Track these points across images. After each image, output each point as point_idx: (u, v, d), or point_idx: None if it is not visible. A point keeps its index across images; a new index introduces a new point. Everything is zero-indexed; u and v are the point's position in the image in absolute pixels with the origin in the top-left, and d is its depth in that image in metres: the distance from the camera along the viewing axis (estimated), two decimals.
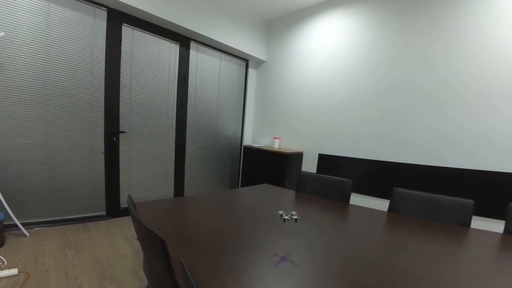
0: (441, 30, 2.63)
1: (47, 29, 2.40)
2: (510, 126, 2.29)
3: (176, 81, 3.44)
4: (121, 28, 2.85)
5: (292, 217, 1.07)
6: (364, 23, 3.19)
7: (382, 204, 2.93)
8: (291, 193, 2.04)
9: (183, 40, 3.43)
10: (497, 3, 2.32)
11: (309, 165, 3.75)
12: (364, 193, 3.15)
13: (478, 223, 2.21)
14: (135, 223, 0.90)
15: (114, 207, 3.01)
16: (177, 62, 3.42)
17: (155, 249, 0.76)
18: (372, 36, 3.12)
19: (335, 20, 3.47)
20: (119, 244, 2.38)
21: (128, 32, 2.91)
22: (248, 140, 4.56)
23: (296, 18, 3.93)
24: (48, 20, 2.40)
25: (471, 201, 1.52)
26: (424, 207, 1.65)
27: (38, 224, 2.54)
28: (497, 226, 2.24)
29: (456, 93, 2.55)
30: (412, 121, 2.83)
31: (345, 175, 2.35)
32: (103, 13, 2.72)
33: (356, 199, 3.11)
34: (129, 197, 1.04)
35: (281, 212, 1.28)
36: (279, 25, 4.18)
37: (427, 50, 2.72)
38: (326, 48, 3.56)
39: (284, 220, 1.29)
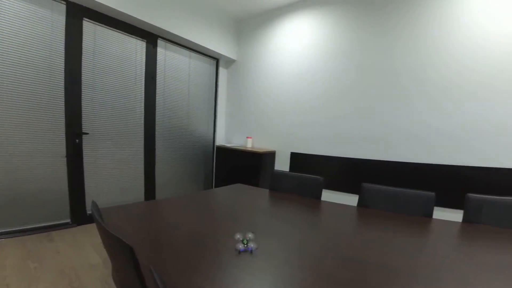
0: (402, 30, 2.79)
1: None
2: (470, 122, 2.48)
3: (144, 79, 3.30)
4: (81, 23, 2.68)
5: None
6: (331, 25, 3.29)
7: (352, 199, 3.04)
8: (264, 191, 2.05)
9: (150, 37, 3.31)
10: (451, 7, 2.52)
11: (282, 164, 3.80)
12: (335, 189, 3.25)
13: (440, 213, 2.37)
14: (101, 230, 0.84)
15: (79, 214, 2.83)
16: (144, 60, 3.28)
17: (124, 257, 0.72)
18: (339, 37, 3.22)
19: (304, 21, 3.54)
20: (87, 253, 2.24)
21: (89, 28, 2.75)
22: (221, 140, 4.51)
23: (266, 18, 3.96)
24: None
25: (432, 194, 1.62)
26: (390, 200, 1.73)
27: None
28: (456, 216, 2.42)
29: (419, 89, 2.72)
30: (377, 118, 2.97)
31: (317, 172, 2.41)
32: (62, 7, 2.54)
33: (328, 195, 3.21)
34: (93, 203, 0.98)
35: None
36: (250, 25, 4.18)
37: (389, 49, 2.87)
38: (296, 49, 3.62)
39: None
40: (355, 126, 3.13)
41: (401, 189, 1.74)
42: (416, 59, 2.71)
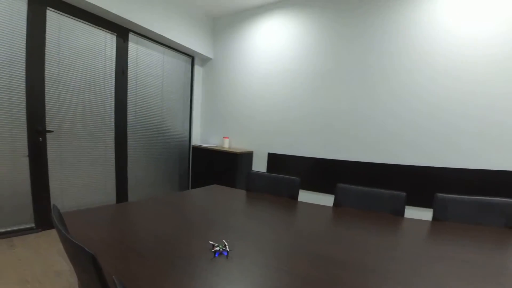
0: (376, 31, 2.88)
1: None
2: (440, 126, 2.61)
3: (114, 75, 3.14)
4: (45, 13, 2.49)
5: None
6: (307, 24, 3.33)
7: (329, 199, 3.11)
8: (241, 192, 2.02)
9: (121, 30, 3.15)
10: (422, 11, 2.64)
11: (259, 164, 3.79)
12: (313, 189, 3.30)
13: (411, 211, 2.48)
14: (61, 237, 0.77)
15: (44, 218, 2.63)
16: (114, 54, 3.12)
17: (85, 265, 0.67)
18: (315, 37, 3.27)
19: (279, 21, 3.56)
20: (52, 260, 2.09)
21: (54, 18, 2.56)
22: (196, 140, 4.42)
23: (242, 17, 3.93)
24: None
25: (403, 193, 1.69)
26: (364, 200, 1.78)
27: None
28: (426, 214, 2.54)
29: (390, 89, 2.82)
30: (353, 119, 3.05)
31: (294, 173, 2.43)
32: None
33: (306, 196, 3.24)
34: (54, 207, 0.90)
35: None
36: (225, 23, 4.13)
37: (363, 49, 2.95)
38: (273, 48, 3.63)
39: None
40: (331, 126, 3.19)
41: (375, 189, 1.79)
42: (386, 56, 2.82)
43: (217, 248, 0.94)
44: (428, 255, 1.04)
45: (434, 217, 1.58)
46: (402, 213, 1.64)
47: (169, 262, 0.88)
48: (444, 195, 1.62)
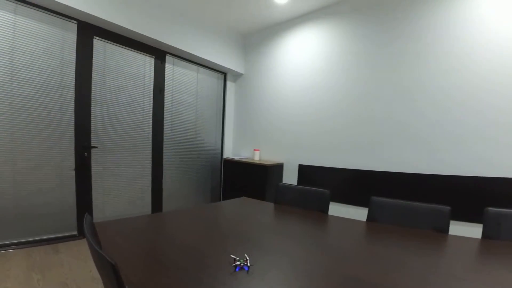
0: (408, 39, 2.74)
1: (13, 42, 2.30)
2: (483, 132, 2.38)
3: (152, 94, 3.36)
4: (92, 41, 2.77)
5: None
6: (336, 34, 3.28)
7: (362, 213, 2.93)
8: (269, 205, 1.99)
9: (158, 53, 3.39)
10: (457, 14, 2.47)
11: (290, 176, 3.73)
12: (344, 202, 3.15)
13: (457, 227, 2.24)
14: (88, 245, 0.82)
15: None
16: (152, 75, 3.36)
17: (108, 274, 0.69)
18: (344, 48, 3.21)
19: (309, 33, 3.56)
20: (91, 266, 2.22)
21: (100, 45, 2.84)
22: (228, 153, 4.50)
23: (271, 31, 4.00)
24: (14, 32, 2.30)
25: (447, 207, 1.53)
26: (402, 215, 1.64)
27: (2, 247, 2.34)
28: (475, 230, 2.27)
29: (430, 97, 2.64)
30: (385, 129, 2.89)
31: (325, 185, 2.34)
32: (73, 26, 2.64)
33: (337, 209, 3.11)
34: (87, 216, 0.96)
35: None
36: (256, 39, 4.24)
37: (395, 57, 2.82)
38: (302, 61, 3.63)
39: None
40: (364, 136, 3.05)
41: (414, 202, 1.65)
42: (424, 68, 2.65)
43: (238, 263, 0.93)
44: (478, 280, 0.92)
45: (484, 235, 1.40)
46: (446, 230, 1.49)
47: (189, 274, 0.88)
48: (497, 209, 1.44)
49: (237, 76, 4.50)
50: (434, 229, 1.50)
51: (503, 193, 2.28)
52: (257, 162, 3.72)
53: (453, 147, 2.51)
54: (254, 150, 4.03)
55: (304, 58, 3.61)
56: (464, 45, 2.45)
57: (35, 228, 2.53)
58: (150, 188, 3.42)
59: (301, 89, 3.63)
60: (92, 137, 2.83)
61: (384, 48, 2.89)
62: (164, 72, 3.49)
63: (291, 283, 0.86)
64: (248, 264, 0.93)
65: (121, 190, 3.12)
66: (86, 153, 2.79)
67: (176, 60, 3.62)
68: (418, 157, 2.69)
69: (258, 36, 4.21)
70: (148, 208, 3.43)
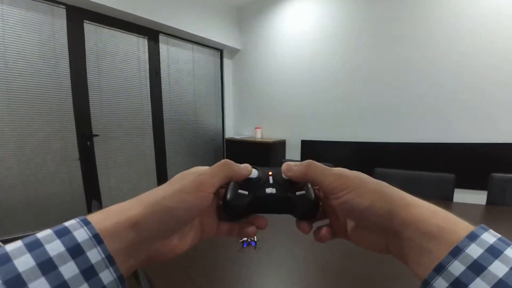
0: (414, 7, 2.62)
1: (2, 33, 2.22)
2: (491, 98, 2.33)
3: (148, 76, 3.30)
4: (82, 26, 2.68)
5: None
6: (335, 2, 3.14)
7: None
8: None
9: (151, 33, 3.28)
10: None
11: (293, 153, 3.74)
12: None
13: (461, 195, 2.26)
14: None
15: None
16: (147, 57, 3.27)
17: None
18: (345, 15, 3.08)
19: (306, 2, 3.40)
20: None
21: (91, 29, 2.75)
22: (230, 132, 4.48)
23: (267, 2, 3.83)
24: (3, 23, 2.22)
25: (452, 175, 1.53)
26: (406, 184, 1.65)
27: (14, 239, 2.40)
28: (479, 197, 2.30)
29: (434, 62, 2.57)
30: (389, 95, 2.84)
31: (329, 159, 2.34)
32: (62, 11, 2.55)
33: None
34: (94, 202, 0.98)
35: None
36: (251, 11, 4.06)
37: (401, 24, 2.72)
38: (300, 31, 3.50)
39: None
40: (366, 104, 3.01)
41: (418, 172, 1.66)
42: (431, 36, 2.55)
43: (245, 239, 0.95)
44: None
45: (489, 200, 1.42)
46: (451, 198, 1.50)
47: (197, 250, 0.90)
48: (502, 174, 1.44)
49: (233, 52, 4.37)
50: (439, 198, 1.52)
51: (509, 158, 2.27)
52: (259, 140, 3.72)
53: (460, 115, 2.47)
54: (256, 128, 4.01)
55: (303, 27, 3.47)
56: (474, 11, 2.34)
57: (45, 220, 2.57)
58: (154, 172, 3.45)
59: (301, 60, 3.53)
60: (92, 125, 2.82)
61: (392, 14, 2.76)
62: (159, 53, 3.39)
63: (297, 256, 0.88)
64: (256, 240, 0.95)
65: (126, 175, 3.15)
66: (88, 142, 2.79)
67: (170, 39, 3.51)
68: (425, 126, 2.67)
69: (253, 8, 4.02)
70: None
